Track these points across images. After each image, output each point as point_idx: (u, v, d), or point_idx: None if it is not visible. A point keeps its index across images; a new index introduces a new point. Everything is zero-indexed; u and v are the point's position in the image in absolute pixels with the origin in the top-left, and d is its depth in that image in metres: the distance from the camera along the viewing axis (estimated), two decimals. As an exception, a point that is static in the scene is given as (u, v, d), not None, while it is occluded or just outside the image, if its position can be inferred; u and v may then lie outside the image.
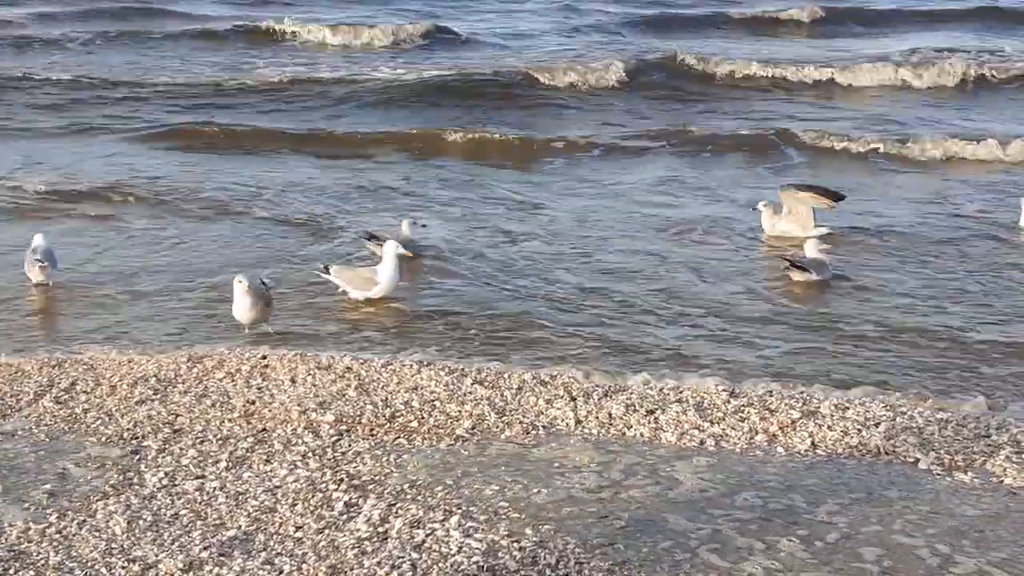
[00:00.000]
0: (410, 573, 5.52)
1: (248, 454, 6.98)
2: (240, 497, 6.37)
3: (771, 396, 8.09)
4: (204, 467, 6.80)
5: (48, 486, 6.55)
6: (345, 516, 6.12)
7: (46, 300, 11.01)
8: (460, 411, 7.68)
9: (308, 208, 14.22)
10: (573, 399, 7.88)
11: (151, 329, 10.17)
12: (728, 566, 5.63)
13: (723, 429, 7.41)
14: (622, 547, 5.78)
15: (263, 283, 10.18)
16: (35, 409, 7.79)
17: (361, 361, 8.68)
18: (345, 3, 32.12)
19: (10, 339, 9.89)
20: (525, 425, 7.46)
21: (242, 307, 9.74)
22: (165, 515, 6.17)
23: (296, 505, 6.26)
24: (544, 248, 12.72)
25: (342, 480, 6.57)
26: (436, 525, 5.98)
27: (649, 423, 7.49)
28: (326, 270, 10.96)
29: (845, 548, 5.82)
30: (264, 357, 8.76)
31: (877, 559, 5.72)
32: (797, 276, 11.64)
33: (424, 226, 12.52)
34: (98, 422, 7.55)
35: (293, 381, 8.23)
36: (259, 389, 8.09)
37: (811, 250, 11.80)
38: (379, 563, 5.62)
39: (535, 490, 6.43)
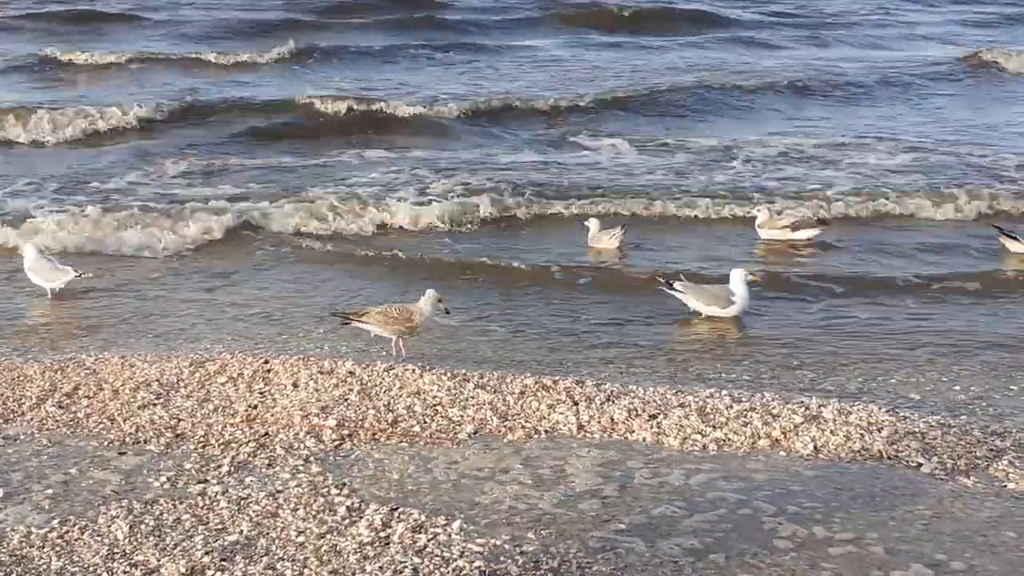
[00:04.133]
0: (412, 578, 5.52)
1: (250, 459, 6.98)
2: (242, 502, 6.36)
3: (774, 401, 8.07)
4: (206, 472, 6.80)
5: (50, 491, 6.54)
6: (347, 521, 6.11)
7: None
8: (463, 416, 7.67)
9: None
10: (575, 404, 7.86)
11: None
12: (731, 571, 5.63)
13: (725, 434, 7.40)
14: (624, 551, 5.77)
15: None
16: (38, 413, 7.79)
17: (363, 366, 8.66)
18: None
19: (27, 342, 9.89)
20: (527, 430, 7.45)
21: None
22: (167, 520, 6.17)
23: (298, 510, 6.25)
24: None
25: (344, 485, 6.57)
26: (438, 530, 5.97)
27: (651, 428, 7.48)
28: (669, 285, 10.94)
29: (852, 553, 5.82)
30: (267, 361, 8.75)
31: (882, 563, 5.72)
32: (1015, 248, 12.37)
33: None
34: (100, 427, 7.55)
35: (295, 386, 8.22)
36: (261, 394, 8.09)
37: None
38: (381, 568, 5.61)
39: (537, 494, 6.43)
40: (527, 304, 11.35)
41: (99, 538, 5.97)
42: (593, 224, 13.51)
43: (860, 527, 6.08)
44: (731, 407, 7.85)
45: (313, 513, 6.21)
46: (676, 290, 10.93)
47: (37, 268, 11.30)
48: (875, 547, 5.87)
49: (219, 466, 6.88)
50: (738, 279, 10.79)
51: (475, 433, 7.42)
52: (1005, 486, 6.77)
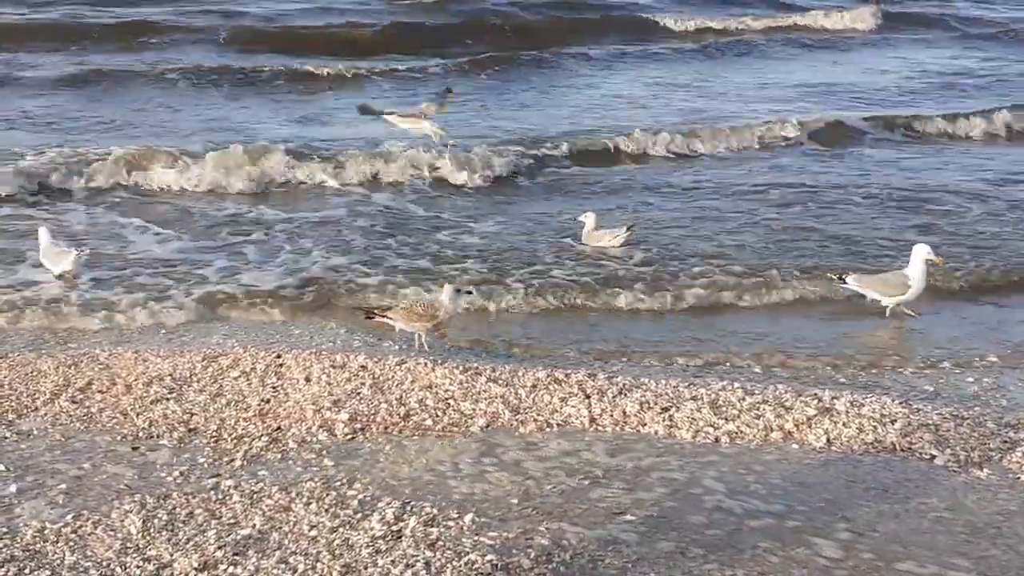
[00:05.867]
0: (424, 572, 5.51)
1: (263, 453, 6.99)
2: (255, 496, 6.38)
3: (786, 394, 8.05)
4: (219, 466, 6.82)
5: (64, 486, 6.56)
6: (359, 515, 6.12)
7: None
8: (474, 409, 7.67)
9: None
10: (587, 397, 7.86)
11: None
12: (744, 565, 5.62)
13: (738, 426, 7.38)
14: (636, 544, 5.77)
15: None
16: (51, 408, 7.81)
17: (376, 359, 8.67)
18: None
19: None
20: (539, 423, 7.45)
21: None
22: (180, 514, 6.18)
23: (311, 504, 6.26)
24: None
25: (356, 479, 6.58)
26: (450, 523, 5.97)
27: (664, 421, 7.47)
28: (842, 280, 10.83)
29: (866, 545, 5.81)
30: (279, 356, 8.76)
31: (897, 553, 5.71)
32: None
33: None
34: (113, 421, 7.57)
35: (308, 380, 8.23)
36: (274, 388, 8.10)
37: None
38: (393, 562, 5.61)
39: (549, 487, 6.43)
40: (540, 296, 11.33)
41: (112, 532, 5.99)
42: (589, 219, 12.90)
43: (871, 519, 6.08)
44: (743, 399, 7.84)
45: (325, 507, 6.22)
46: (850, 285, 10.73)
47: (47, 253, 11.31)
48: (888, 539, 5.87)
49: (232, 460, 6.89)
50: (919, 259, 10.46)
51: (487, 427, 7.42)
52: (1019, 478, 6.75)
